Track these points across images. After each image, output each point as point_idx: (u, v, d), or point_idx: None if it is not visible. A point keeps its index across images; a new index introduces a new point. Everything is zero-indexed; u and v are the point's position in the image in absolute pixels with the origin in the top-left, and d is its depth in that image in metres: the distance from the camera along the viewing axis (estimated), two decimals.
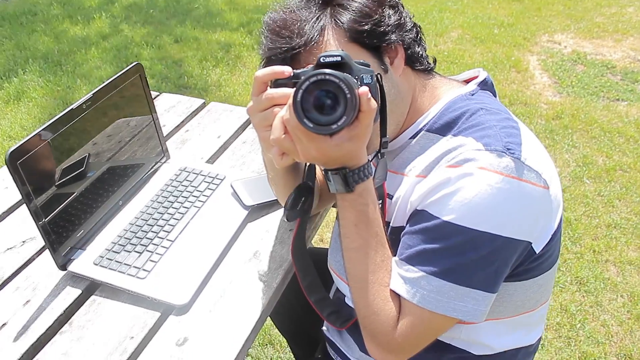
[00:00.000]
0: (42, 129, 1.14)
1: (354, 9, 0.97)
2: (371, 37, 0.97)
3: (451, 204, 0.89)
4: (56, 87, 3.95)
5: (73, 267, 1.23)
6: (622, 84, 4.05)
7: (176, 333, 1.10)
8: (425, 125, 1.03)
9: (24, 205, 1.43)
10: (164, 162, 1.53)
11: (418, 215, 0.95)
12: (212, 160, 1.60)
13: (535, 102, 3.79)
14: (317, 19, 0.97)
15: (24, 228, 1.38)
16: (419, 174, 0.98)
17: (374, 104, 0.84)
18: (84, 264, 1.23)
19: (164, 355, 1.06)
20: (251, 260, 1.25)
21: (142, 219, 1.33)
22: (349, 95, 0.81)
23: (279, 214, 1.37)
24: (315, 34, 0.96)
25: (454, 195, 0.89)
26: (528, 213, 0.91)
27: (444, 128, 1.00)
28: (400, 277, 0.95)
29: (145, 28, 4.90)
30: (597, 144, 3.36)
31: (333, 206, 1.51)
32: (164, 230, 1.30)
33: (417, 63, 1.05)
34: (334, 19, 0.98)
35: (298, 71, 0.90)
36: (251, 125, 1.71)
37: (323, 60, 0.86)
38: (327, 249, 1.61)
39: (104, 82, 1.30)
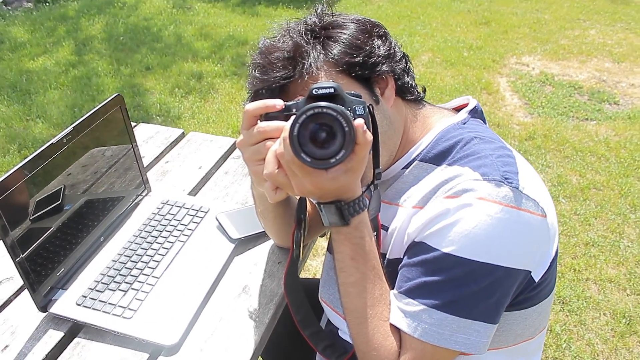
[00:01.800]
0: (22, 165, 1.10)
1: (344, 40, 0.97)
2: (362, 69, 0.97)
3: (451, 235, 0.88)
4: (25, 116, 3.87)
5: (54, 308, 1.18)
6: (590, 104, 4.13)
7: None
8: (418, 155, 1.02)
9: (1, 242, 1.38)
10: (145, 194, 1.49)
11: (416, 247, 0.93)
12: (194, 192, 1.56)
13: (508, 124, 3.85)
14: (308, 51, 0.97)
15: (0, 268, 1.32)
16: (415, 204, 0.97)
17: (369, 136, 0.83)
18: (66, 304, 1.18)
19: None
20: (240, 296, 1.22)
21: (125, 256, 1.29)
22: (347, 129, 0.79)
23: (266, 246, 1.34)
24: (307, 66, 0.95)
25: (453, 227, 0.88)
26: (527, 242, 0.91)
27: (437, 157, 0.99)
28: (400, 310, 0.93)
29: (115, 55, 4.84)
30: (570, 163, 3.41)
31: (321, 236, 1.49)
32: (148, 267, 1.26)
33: (408, 93, 1.05)
34: (325, 51, 0.97)
35: (289, 103, 0.88)
36: (233, 156, 1.69)
37: (316, 92, 0.85)
38: (316, 279, 1.59)
39: (84, 115, 1.26)
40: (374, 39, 0.99)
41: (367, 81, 0.99)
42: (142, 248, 1.31)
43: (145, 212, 1.42)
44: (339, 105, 0.80)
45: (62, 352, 1.11)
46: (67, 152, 1.21)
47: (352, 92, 0.88)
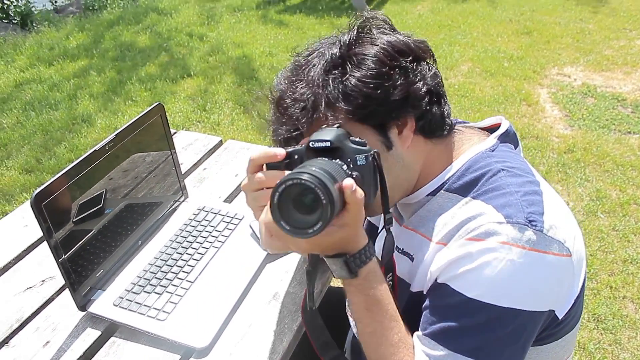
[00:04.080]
0: (66, 171, 1.16)
1: (355, 88, 0.92)
2: (374, 117, 0.94)
3: (474, 280, 0.87)
4: (71, 120, 4.00)
5: (93, 308, 1.23)
6: (633, 117, 4.05)
7: None
8: (443, 184, 0.99)
9: (43, 244, 1.45)
10: (183, 200, 1.54)
11: (440, 289, 0.92)
12: (229, 199, 1.60)
13: (547, 136, 3.80)
14: (321, 99, 0.94)
15: (43, 267, 1.38)
16: (439, 240, 0.95)
17: (360, 195, 0.82)
18: (103, 304, 1.23)
19: None
20: (271, 302, 1.25)
21: (161, 259, 1.33)
22: (324, 201, 0.76)
23: (297, 254, 1.37)
24: (317, 115, 0.94)
25: (476, 272, 0.87)
26: (551, 284, 0.89)
27: (463, 188, 0.96)
28: (425, 354, 0.91)
29: (157, 61, 4.97)
30: (610, 177, 3.35)
31: None
32: (183, 271, 1.30)
33: (431, 132, 1.00)
34: (335, 98, 0.93)
35: (291, 150, 0.89)
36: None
37: (312, 145, 0.87)
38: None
39: (127, 122, 1.31)
40: (393, 78, 0.93)
41: (382, 126, 0.96)
42: (177, 253, 1.35)
43: (181, 218, 1.47)
44: (320, 173, 0.78)
45: (98, 350, 1.16)
46: (109, 157, 1.26)
47: (357, 139, 0.87)
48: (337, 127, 0.90)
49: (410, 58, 0.96)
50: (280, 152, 0.89)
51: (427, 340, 0.91)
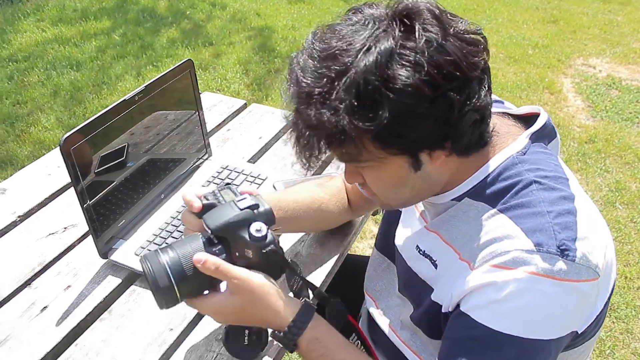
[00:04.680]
0: (95, 118, 1.16)
1: (385, 123, 0.75)
2: (404, 148, 0.81)
3: (502, 312, 0.81)
4: (92, 82, 4.01)
5: (114, 256, 1.23)
6: None
7: (216, 327, 1.10)
8: (468, 191, 0.91)
9: (66, 192, 1.46)
10: (206, 158, 1.54)
11: (462, 319, 0.85)
12: (253, 160, 1.60)
13: (569, 125, 3.76)
14: (341, 117, 0.75)
15: (65, 215, 1.39)
16: (464, 257, 0.89)
17: (211, 266, 0.86)
18: (125, 253, 1.24)
19: (203, 349, 1.06)
20: (292, 261, 1.25)
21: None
22: (154, 294, 0.87)
23: None
24: (338, 134, 0.76)
25: (503, 303, 0.80)
26: (579, 309, 0.84)
27: (490, 198, 0.87)
28: None
29: (180, 28, 4.95)
30: (631, 169, 3.31)
31: (373, 214, 1.50)
32: None
33: (465, 152, 0.86)
34: (364, 122, 0.75)
35: (208, 202, 0.94)
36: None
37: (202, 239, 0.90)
38: (364, 257, 1.61)
39: (156, 76, 1.31)
40: (432, 113, 0.76)
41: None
42: None
43: (205, 175, 1.47)
44: (156, 265, 0.86)
45: (119, 297, 1.17)
46: (137, 109, 1.26)
47: (256, 233, 0.88)
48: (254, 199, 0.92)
49: (458, 83, 0.77)
50: (197, 204, 0.95)
51: None
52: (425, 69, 0.74)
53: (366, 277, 1.25)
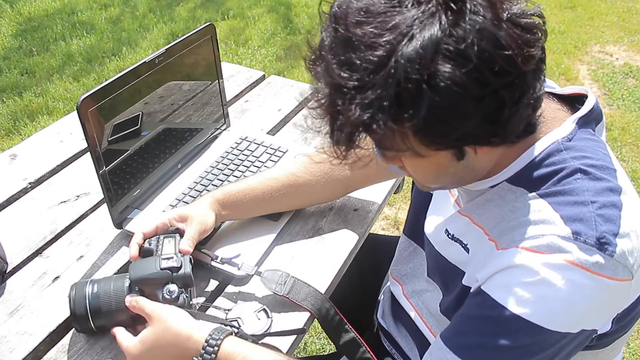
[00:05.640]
0: (114, 80, 1.10)
1: (426, 118, 0.66)
2: (448, 146, 0.74)
3: (525, 296, 0.74)
4: (101, 52, 3.94)
5: (129, 226, 1.18)
6: None
7: (232, 304, 1.05)
8: (508, 177, 0.84)
9: (79, 160, 1.41)
10: (224, 129, 1.48)
11: (480, 296, 0.79)
12: (272, 132, 1.54)
13: None
14: (377, 114, 0.66)
15: (77, 183, 1.34)
16: (493, 237, 0.83)
17: (131, 302, 0.94)
18: (140, 224, 1.18)
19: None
20: (314, 237, 1.20)
21: (201, 184, 1.28)
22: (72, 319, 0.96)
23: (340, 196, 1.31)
24: (373, 130, 0.67)
25: (529, 287, 0.74)
26: (605, 308, 0.79)
27: (530, 183, 0.81)
28: None
29: (192, 1, 4.87)
30: None
31: (395, 193, 1.45)
32: None
33: (511, 141, 0.77)
34: (401, 120, 0.67)
35: (146, 248, 1.03)
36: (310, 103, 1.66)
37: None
38: (387, 236, 1.56)
39: (177, 39, 1.25)
40: (479, 110, 0.67)
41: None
42: (218, 179, 1.30)
43: (223, 146, 1.41)
44: (79, 294, 0.95)
45: None
46: (156, 75, 1.20)
47: (168, 293, 0.95)
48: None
49: (511, 78, 0.67)
50: (134, 254, 1.03)
51: (449, 352, 0.80)
52: (474, 64, 0.63)
53: (393, 261, 1.21)
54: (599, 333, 0.82)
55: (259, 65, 3.95)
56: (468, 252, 0.90)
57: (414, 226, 1.13)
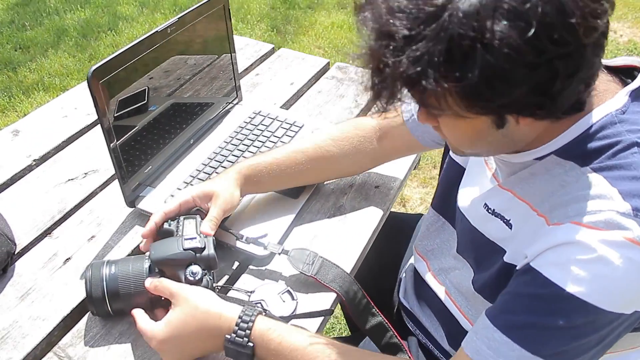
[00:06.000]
0: (126, 49, 1.03)
1: (474, 81, 0.61)
2: (490, 111, 0.69)
3: (580, 274, 0.69)
4: (97, 28, 3.84)
5: (142, 204, 1.13)
6: None
7: (258, 282, 1.00)
8: (556, 150, 0.79)
9: (85, 136, 1.35)
10: (236, 103, 1.42)
11: (530, 274, 0.74)
12: (286, 107, 1.48)
13: None
14: (425, 69, 0.62)
15: (84, 160, 1.28)
16: (543, 212, 0.78)
17: (151, 285, 0.89)
18: (154, 202, 1.13)
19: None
20: (335, 215, 1.15)
21: (216, 160, 1.23)
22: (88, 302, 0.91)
23: (362, 174, 1.26)
24: (418, 85, 0.63)
25: (585, 265, 0.69)
26: None
27: (582, 157, 0.76)
28: (487, 348, 0.75)
29: None
30: None
31: (414, 168, 1.40)
32: None
33: (557, 116, 0.72)
34: (449, 78, 0.62)
35: (166, 229, 0.98)
36: (326, 76, 1.60)
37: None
38: (405, 214, 1.51)
39: (189, 8, 1.18)
40: (531, 78, 0.62)
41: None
42: (233, 155, 1.24)
43: (236, 120, 1.35)
44: (96, 275, 0.90)
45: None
46: (169, 43, 1.14)
47: (192, 275, 0.89)
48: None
49: (569, 49, 0.61)
50: (147, 232, 0.98)
51: (496, 331, 0.75)
52: (534, 29, 0.58)
53: (419, 236, 1.16)
54: None
55: (258, 40, 3.87)
56: (511, 229, 0.85)
57: (444, 200, 1.08)
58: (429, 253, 1.12)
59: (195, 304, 0.85)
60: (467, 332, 0.99)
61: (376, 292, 1.19)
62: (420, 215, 1.46)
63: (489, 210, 0.89)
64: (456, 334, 1.01)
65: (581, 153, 0.76)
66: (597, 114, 0.76)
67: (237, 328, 0.83)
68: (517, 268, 0.80)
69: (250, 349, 0.82)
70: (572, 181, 0.75)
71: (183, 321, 0.85)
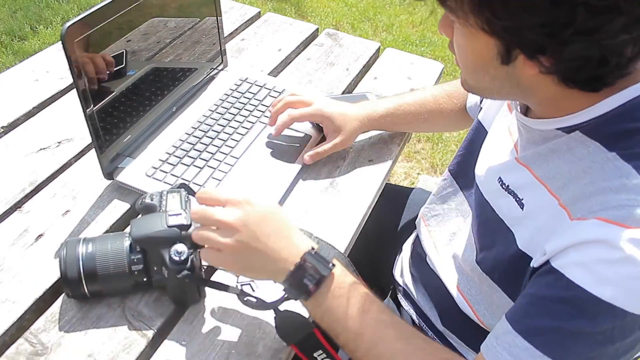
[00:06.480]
0: (104, 5, 0.94)
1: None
2: (495, 33, 0.66)
3: (607, 275, 0.64)
4: None
5: (121, 176, 1.04)
6: None
7: None
8: (582, 124, 0.72)
9: (58, 102, 1.26)
10: (222, 69, 1.33)
11: (552, 276, 0.68)
12: (273, 74, 1.40)
13: None
14: None
15: (58, 128, 1.19)
16: (563, 202, 0.72)
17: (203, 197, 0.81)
18: (134, 174, 1.05)
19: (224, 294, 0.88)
20: (327, 190, 1.08)
21: (200, 130, 1.14)
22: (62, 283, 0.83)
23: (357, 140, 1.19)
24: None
25: (612, 266, 0.63)
26: None
27: (610, 138, 0.69)
28: (508, 354, 0.70)
29: None
30: None
31: (408, 141, 1.34)
32: (226, 145, 1.11)
33: (571, 82, 0.68)
34: None
35: (147, 203, 0.88)
36: (315, 43, 1.52)
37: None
38: (403, 187, 1.45)
39: None
40: (549, 11, 0.58)
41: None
42: (218, 124, 1.16)
43: (222, 88, 1.27)
44: (71, 254, 0.82)
45: (127, 224, 0.98)
46: (149, 3, 1.04)
47: (176, 255, 0.79)
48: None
49: (600, 4, 0.57)
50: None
51: (517, 337, 0.69)
52: None
53: (427, 200, 1.10)
54: None
55: (249, 2, 3.73)
56: (522, 209, 0.79)
57: (461, 165, 1.03)
58: (432, 219, 1.07)
59: (273, 204, 0.82)
60: (460, 310, 0.94)
61: (372, 269, 1.14)
62: (413, 189, 1.40)
63: (503, 186, 0.83)
64: (450, 313, 0.97)
65: (609, 134, 0.69)
66: (632, 92, 0.68)
67: (318, 247, 0.79)
68: (536, 266, 0.73)
69: (329, 271, 0.77)
70: (597, 167, 0.68)
71: (262, 216, 0.78)
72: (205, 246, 0.79)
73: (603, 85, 0.68)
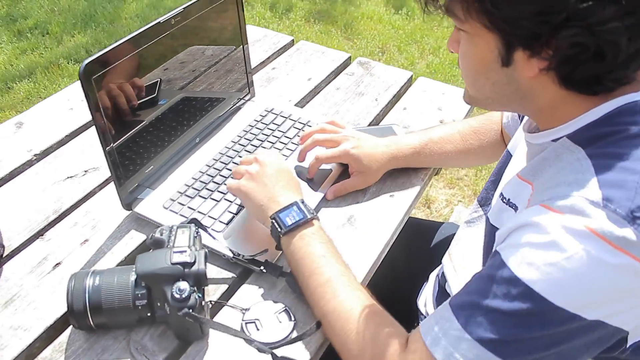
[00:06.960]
0: (124, 42, 0.96)
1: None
2: (495, 27, 0.68)
3: (531, 258, 0.65)
4: None
5: (139, 208, 1.06)
6: None
7: (255, 299, 0.93)
8: (571, 132, 0.74)
9: (89, 130, 1.29)
10: (248, 99, 1.34)
11: (494, 257, 0.71)
12: (301, 104, 1.40)
13: None
14: None
15: (87, 156, 1.22)
16: (532, 192, 0.75)
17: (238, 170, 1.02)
18: (152, 206, 1.06)
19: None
20: (345, 226, 1.06)
21: (221, 162, 1.15)
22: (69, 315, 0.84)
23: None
24: None
25: (538, 249, 0.65)
26: (628, 298, 0.65)
27: (588, 141, 0.71)
28: (435, 323, 0.73)
29: None
30: None
31: (436, 174, 1.31)
32: None
33: (570, 84, 0.71)
34: None
35: (156, 239, 0.89)
36: (346, 72, 1.52)
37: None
38: (428, 221, 1.43)
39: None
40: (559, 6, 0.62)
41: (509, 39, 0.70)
42: (239, 156, 1.17)
43: (246, 118, 1.27)
44: (79, 286, 0.83)
45: None
46: (171, 38, 1.06)
47: (178, 293, 0.80)
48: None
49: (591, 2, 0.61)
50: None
51: (448, 311, 0.72)
52: None
53: (453, 240, 1.09)
54: (633, 342, 0.70)
55: (286, 30, 3.78)
56: (516, 211, 0.80)
57: (488, 191, 1.02)
58: (455, 245, 1.06)
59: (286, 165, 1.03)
60: None
61: (394, 301, 1.12)
62: (443, 223, 1.37)
63: (504, 200, 0.84)
64: None
65: (590, 137, 0.71)
66: (621, 101, 0.70)
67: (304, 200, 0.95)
68: None
69: (313, 216, 0.93)
70: (567, 167, 0.70)
71: (278, 166, 1.00)
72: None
73: (601, 88, 0.70)
